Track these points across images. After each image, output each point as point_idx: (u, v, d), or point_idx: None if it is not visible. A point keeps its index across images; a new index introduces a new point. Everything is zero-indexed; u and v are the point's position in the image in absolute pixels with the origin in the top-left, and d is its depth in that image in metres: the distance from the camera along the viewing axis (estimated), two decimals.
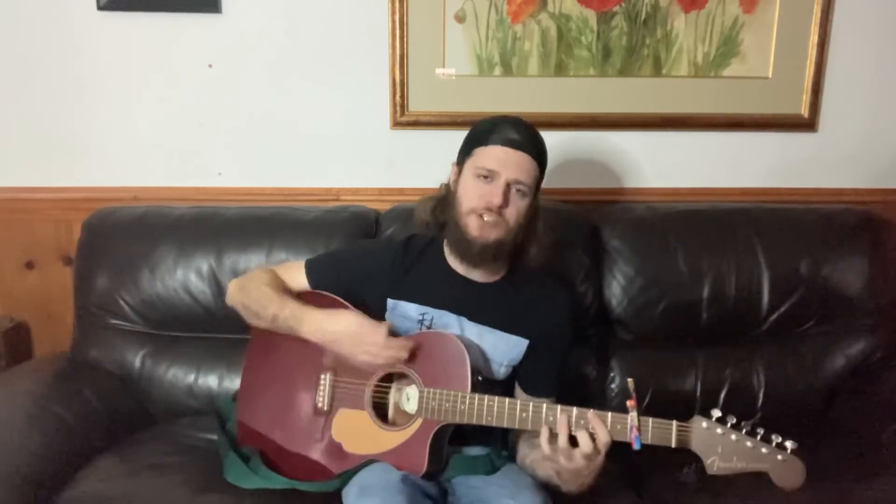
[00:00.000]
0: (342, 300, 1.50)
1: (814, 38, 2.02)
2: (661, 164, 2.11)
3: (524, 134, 1.43)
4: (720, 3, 1.99)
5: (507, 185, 1.40)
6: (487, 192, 1.40)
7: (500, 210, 1.40)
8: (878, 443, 1.67)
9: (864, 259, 1.87)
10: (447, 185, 1.52)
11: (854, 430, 1.74)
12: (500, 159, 1.41)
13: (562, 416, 1.29)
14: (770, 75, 2.05)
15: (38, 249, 2.08)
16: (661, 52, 2.02)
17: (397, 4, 1.95)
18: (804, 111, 2.07)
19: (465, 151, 1.47)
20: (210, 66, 2.01)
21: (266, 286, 1.50)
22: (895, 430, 1.67)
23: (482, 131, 1.45)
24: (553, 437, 1.29)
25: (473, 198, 1.42)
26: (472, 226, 1.42)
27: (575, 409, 1.30)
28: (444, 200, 1.51)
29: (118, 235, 1.86)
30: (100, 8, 1.95)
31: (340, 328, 1.41)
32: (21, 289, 2.09)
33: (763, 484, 1.30)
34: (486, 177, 1.41)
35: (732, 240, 1.87)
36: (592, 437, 1.26)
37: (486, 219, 1.41)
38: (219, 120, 2.05)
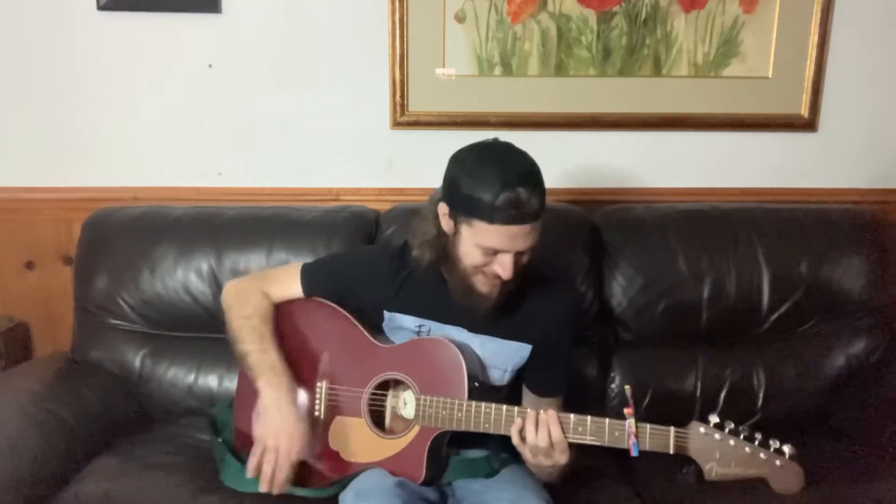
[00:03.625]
0: (339, 308, 1.49)
1: (814, 38, 2.02)
2: (661, 164, 2.11)
3: (530, 197, 1.24)
4: (720, 3, 1.99)
5: (516, 255, 1.30)
6: (496, 263, 1.30)
7: None
8: (878, 443, 1.67)
9: (864, 259, 1.86)
10: (438, 226, 1.37)
11: (854, 430, 1.74)
12: (509, 239, 1.27)
13: (525, 417, 1.30)
14: (770, 75, 2.05)
15: (38, 249, 2.08)
16: (661, 52, 2.02)
17: (397, 4, 1.95)
18: (804, 111, 2.07)
19: (462, 208, 1.29)
20: (210, 66, 2.01)
21: (257, 319, 1.46)
22: (895, 431, 1.67)
23: (484, 202, 1.24)
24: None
25: (478, 265, 1.32)
26: (481, 282, 1.35)
27: (543, 412, 1.30)
28: (437, 242, 1.39)
29: (118, 235, 1.86)
30: (100, 8, 1.95)
31: (275, 423, 1.35)
32: (21, 289, 2.10)
33: (763, 484, 1.30)
34: (491, 253, 1.30)
35: (732, 240, 1.86)
36: (550, 436, 1.28)
37: (493, 280, 1.34)
38: (219, 120, 2.05)
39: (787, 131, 2.10)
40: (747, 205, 1.98)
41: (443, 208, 1.35)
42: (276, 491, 1.35)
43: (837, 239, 1.88)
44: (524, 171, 1.28)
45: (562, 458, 1.29)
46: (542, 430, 1.28)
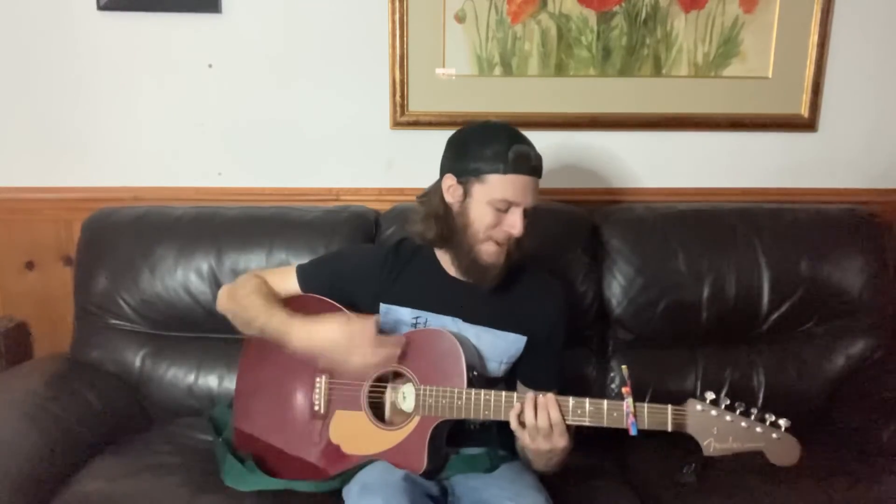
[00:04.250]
0: (334, 303, 1.49)
1: (814, 38, 2.02)
2: (662, 164, 2.11)
3: (535, 153, 1.38)
4: (720, 3, 1.99)
5: (525, 212, 1.38)
6: (506, 222, 1.37)
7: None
8: (878, 443, 1.67)
9: (864, 259, 1.87)
10: (442, 200, 1.43)
11: (854, 430, 1.74)
12: (521, 190, 1.36)
13: (524, 401, 1.31)
14: (770, 75, 2.05)
15: (38, 249, 2.08)
16: (661, 52, 2.02)
17: (397, 4, 1.95)
18: (804, 111, 2.07)
19: (473, 169, 1.37)
20: (210, 66, 2.01)
21: (255, 294, 1.48)
22: (895, 430, 1.67)
23: (495, 155, 1.35)
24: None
25: (490, 227, 1.38)
26: (489, 252, 1.40)
27: (541, 395, 1.31)
28: (442, 218, 1.43)
29: (118, 235, 1.86)
30: (100, 8, 1.95)
31: (328, 335, 1.37)
32: (21, 289, 2.09)
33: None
34: (503, 209, 1.37)
35: (732, 240, 1.87)
36: (549, 418, 1.29)
37: (502, 244, 1.39)
38: (219, 120, 2.05)
39: (787, 131, 2.10)
40: (747, 205, 1.98)
41: (449, 180, 1.42)
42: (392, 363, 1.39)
43: (837, 239, 1.88)
44: (521, 134, 1.41)
45: (560, 440, 1.31)
46: (542, 413, 1.30)
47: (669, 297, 1.84)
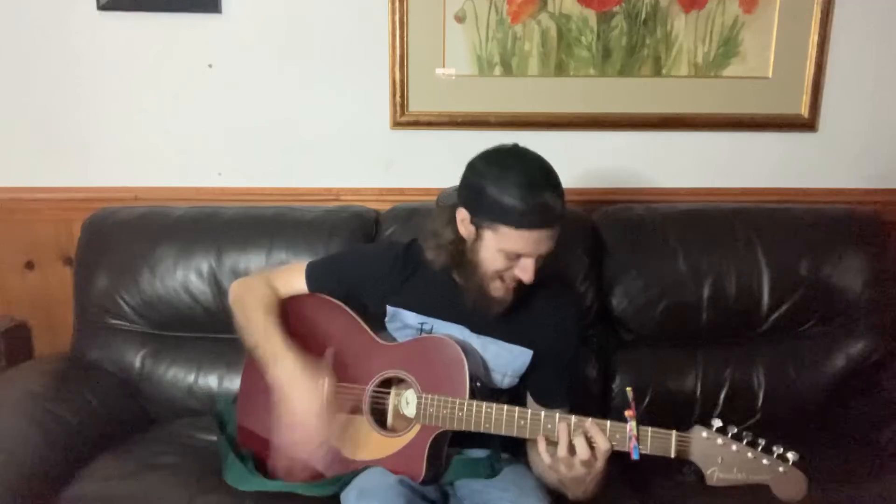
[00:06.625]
0: (341, 304, 1.49)
1: (814, 38, 2.02)
2: (661, 164, 2.11)
3: (555, 201, 1.27)
4: (720, 3, 1.99)
5: (537, 258, 1.32)
6: (518, 267, 1.32)
7: None
8: (878, 443, 1.67)
9: (864, 259, 1.86)
10: (455, 231, 1.37)
11: (854, 430, 1.74)
12: (534, 243, 1.29)
13: (560, 425, 1.27)
14: (770, 75, 2.05)
15: (38, 249, 2.08)
16: (661, 52, 2.02)
17: (397, 4, 1.95)
18: (804, 111, 2.07)
19: (486, 215, 1.29)
20: (210, 66, 2.01)
21: (259, 310, 1.46)
22: (895, 430, 1.67)
23: (510, 208, 1.25)
24: (553, 445, 1.28)
25: (500, 269, 1.33)
26: (496, 288, 1.36)
27: (573, 418, 1.28)
28: (453, 247, 1.38)
29: (118, 235, 1.86)
30: (100, 8, 1.95)
31: (295, 402, 1.34)
32: (21, 289, 2.09)
33: (763, 486, 1.30)
34: (513, 258, 1.31)
35: (732, 240, 1.87)
36: (591, 444, 1.25)
37: (511, 284, 1.35)
38: (219, 120, 2.05)
39: (787, 131, 2.10)
40: (747, 205, 1.98)
41: (462, 214, 1.35)
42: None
43: (837, 239, 1.88)
44: (547, 176, 1.30)
45: (599, 464, 1.27)
46: (579, 440, 1.25)
47: (669, 297, 1.83)
